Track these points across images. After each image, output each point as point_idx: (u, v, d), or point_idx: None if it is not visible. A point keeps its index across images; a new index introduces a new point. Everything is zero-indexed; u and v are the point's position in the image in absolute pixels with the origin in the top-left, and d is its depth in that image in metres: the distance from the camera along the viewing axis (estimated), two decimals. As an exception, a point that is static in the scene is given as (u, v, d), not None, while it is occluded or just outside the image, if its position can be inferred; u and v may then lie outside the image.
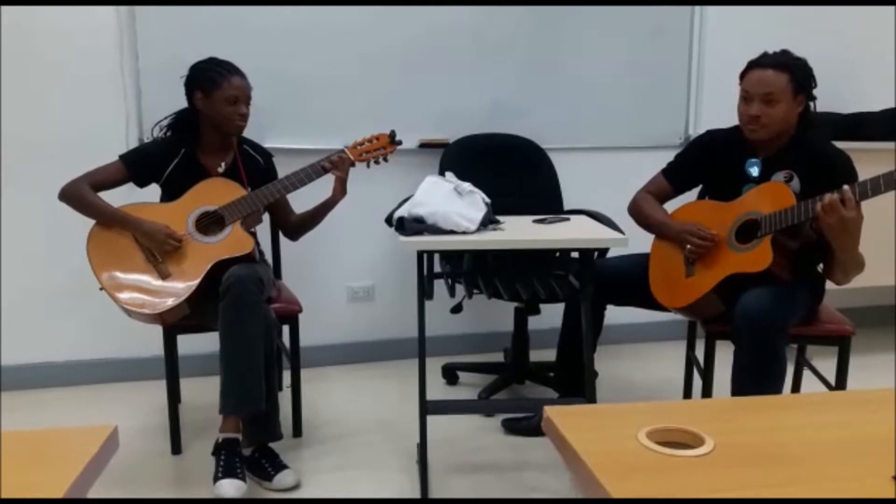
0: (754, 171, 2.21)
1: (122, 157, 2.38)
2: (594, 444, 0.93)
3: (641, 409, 1.06)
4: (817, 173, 2.12)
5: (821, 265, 2.28)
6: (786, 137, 2.20)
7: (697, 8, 3.36)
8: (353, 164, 2.43)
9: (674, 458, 0.90)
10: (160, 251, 2.25)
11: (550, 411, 1.03)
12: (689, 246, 2.21)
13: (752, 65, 2.18)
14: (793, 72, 2.13)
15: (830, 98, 3.04)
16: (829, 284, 2.29)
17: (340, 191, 2.42)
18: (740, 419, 1.03)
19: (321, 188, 2.45)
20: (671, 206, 2.42)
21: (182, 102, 2.40)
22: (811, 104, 2.21)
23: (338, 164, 2.39)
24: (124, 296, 2.21)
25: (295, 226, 2.58)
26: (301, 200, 2.53)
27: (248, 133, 2.47)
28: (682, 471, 0.87)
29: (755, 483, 0.84)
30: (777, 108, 2.13)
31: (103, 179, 2.33)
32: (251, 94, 2.38)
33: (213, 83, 2.30)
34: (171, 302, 2.20)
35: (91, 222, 2.30)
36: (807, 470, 0.88)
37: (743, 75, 2.21)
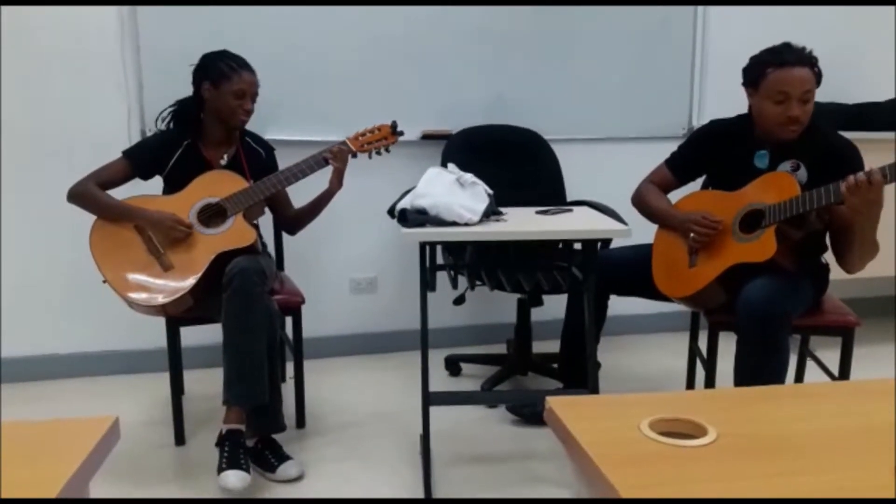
0: (763, 163, 2.20)
1: (126, 154, 2.38)
2: (597, 434, 0.93)
3: (644, 400, 1.05)
4: (824, 163, 2.11)
5: (824, 256, 2.28)
6: None
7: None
8: (354, 155, 2.43)
9: (676, 448, 0.90)
10: (170, 239, 2.25)
11: (553, 401, 1.03)
12: (692, 235, 2.20)
13: (782, 63, 2.08)
14: (813, 66, 2.10)
15: (836, 89, 3.03)
16: (833, 275, 2.28)
17: (337, 182, 2.41)
18: (743, 409, 1.03)
19: (320, 182, 2.44)
20: (674, 196, 2.41)
21: (184, 94, 2.40)
22: None
23: (337, 156, 2.38)
24: (127, 288, 2.21)
25: (293, 219, 2.58)
26: (301, 194, 2.52)
27: (249, 125, 2.47)
28: (685, 461, 0.87)
29: (758, 473, 0.84)
30: (811, 104, 2.11)
31: (109, 178, 2.34)
32: (258, 91, 2.37)
33: (223, 75, 2.30)
34: (173, 294, 2.20)
35: (93, 216, 2.30)
36: (810, 460, 0.88)
37: (762, 74, 2.11)
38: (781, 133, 2.13)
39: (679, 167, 2.41)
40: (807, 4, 3.40)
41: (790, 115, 2.08)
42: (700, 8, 3.35)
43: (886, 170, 1.89)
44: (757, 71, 2.14)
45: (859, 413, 1.01)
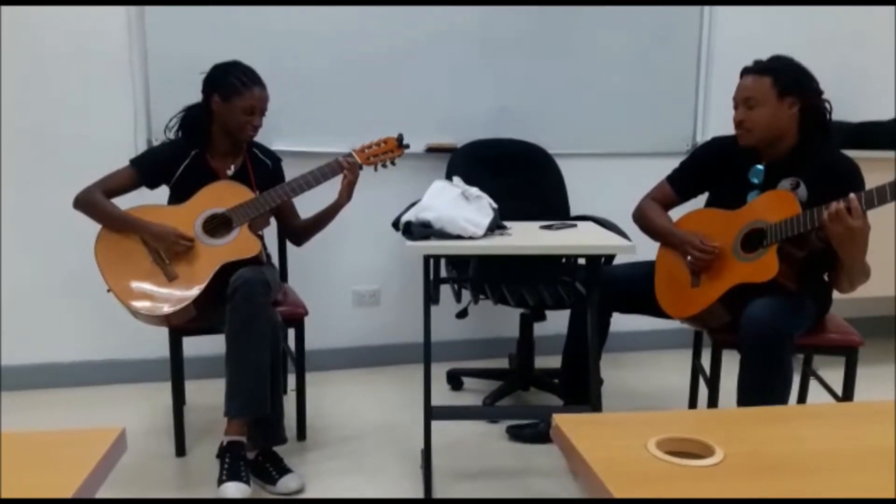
0: (756, 178, 2.20)
1: (133, 162, 2.39)
2: (603, 452, 0.93)
3: (650, 419, 1.05)
4: (824, 181, 2.11)
5: (827, 274, 2.27)
6: (787, 142, 2.17)
7: (706, 13, 3.36)
8: (360, 168, 2.43)
9: (684, 467, 0.90)
10: (171, 253, 2.25)
11: (559, 419, 1.03)
12: (689, 258, 2.20)
13: (740, 74, 2.20)
14: (776, 75, 2.11)
15: (840, 106, 3.04)
16: (836, 293, 2.28)
17: (346, 195, 2.41)
18: (750, 429, 1.03)
19: (327, 193, 2.45)
20: (677, 212, 2.41)
21: (191, 102, 2.41)
22: (827, 109, 2.18)
23: (352, 167, 2.38)
24: (131, 298, 2.21)
25: (300, 230, 2.58)
26: (308, 205, 2.53)
27: (256, 136, 2.48)
28: (693, 481, 0.87)
29: (766, 493, 0.84)
30: (759, 111, 2.12)
31: (116, 186, 2.34)
32: (267, 105, 2.38)
33: (234, 90, 2.30)
34: (178, 304, 2.20)
35: (98, 224, 2.31)
36: (817, 481, 0.88)
37: None
38: (738, 138, 2.20)
39: (680, 184, 2.41)
40: (808, 4, 3.41)
41: (735, 119, 2.18)
42: (705, 22, 3.36)
43: (863, 197, 1.89)
44: None
45: (866, 434, 1.01)
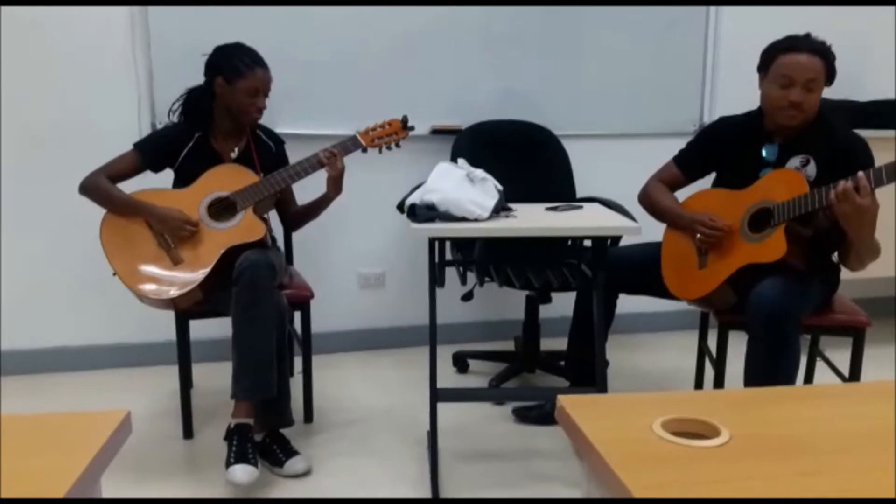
0: (771, 155, 2.18)
1: (137, 146, 2.38)
2: (609, 433, 0.93)
3: (656, 399, 1.05)
4: (835, 159, 2.09)
5: (835, 254, 2.26)
6: (807, 122, 2.16)
7: (713, -6, 3.33)
8: (364, 150, 2.42)
9: (690, 448, 0.89)
10: (176, 237, 2.25)
11: (564, 400, 1.02)
12: (699, 236, 2.19)
13: (791, 48, 2.10)
14: (827, 58, 2.09)
15: (847, 85, 3.01)
16: (843, 274, 2.26)
17: (334, 189, 2.38)
18: (755, 410, 1.02)
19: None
20: (683, 193, 2.39)
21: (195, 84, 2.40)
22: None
23: (331, 161, 2.33)
24: (137, 281, 2.21)
25: (295, 216, 2.58)
26: (309, 190, 2.51)
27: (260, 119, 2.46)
28: (699, 462, 0.86)
29: (772, 474, 0.83)
30: (815, 94, 2.10)
31: (120, 170, 2.34)
32: (271, 86, 2.36)
33: (237, 72, 2.28)
34: (183, 288, 2.20)
35: (103, 209, 2.30)
36: (823, 462, 0.87)
37: (773, 58, 2.12)
38: (782, 118, 2.12)
39: (687, 164, 2.39)
40: (819, 4, 3.37)
41: (791, 99, 2.08)
42: (712, 7, 3.32)
43: (871, 175, 1.87)
44: (769, 55, 2.16)
45: (873, 415, 1.01)
